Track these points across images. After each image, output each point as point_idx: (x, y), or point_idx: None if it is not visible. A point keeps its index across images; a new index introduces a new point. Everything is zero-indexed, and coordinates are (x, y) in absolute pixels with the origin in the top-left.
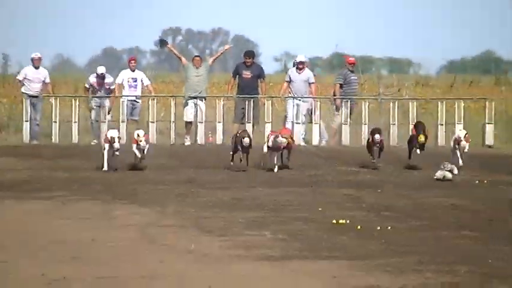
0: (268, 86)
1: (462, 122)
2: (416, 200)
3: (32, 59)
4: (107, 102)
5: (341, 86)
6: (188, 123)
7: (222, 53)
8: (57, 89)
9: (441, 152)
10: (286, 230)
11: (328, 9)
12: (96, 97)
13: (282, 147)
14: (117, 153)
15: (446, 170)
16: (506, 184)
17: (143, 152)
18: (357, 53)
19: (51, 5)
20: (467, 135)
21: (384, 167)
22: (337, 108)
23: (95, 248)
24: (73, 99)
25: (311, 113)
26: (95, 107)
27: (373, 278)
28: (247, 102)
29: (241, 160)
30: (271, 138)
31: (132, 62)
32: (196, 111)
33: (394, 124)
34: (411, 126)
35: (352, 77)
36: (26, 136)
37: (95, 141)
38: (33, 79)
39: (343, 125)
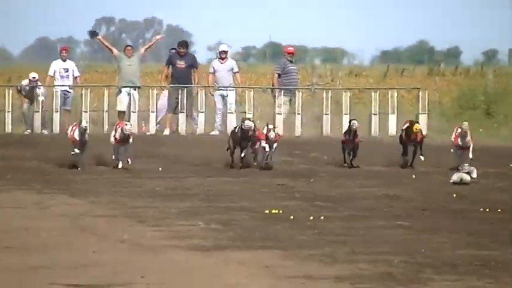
0: (201, 75)
1: (396, 113)
2: (350, 190)
3: None
4: (42, 93)
5: (279, 75)
6: (121, 113)
7: (154, 43)
8: None
9: (375, 142)
10: (219, 220)
11: None
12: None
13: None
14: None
15: (464, 172)
16: (441, 174)
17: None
18: (290, 43)
19: None
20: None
21: (317, 156)
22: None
23: (28, 237)
24: (6, 89)
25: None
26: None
27: (306, 267)
28: (180, 92)
29: (241, 158)
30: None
31: (64, 52)
32: (130, 100)
33: (328, 114)
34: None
35: (291, 67)
36: None
37: (29, 130)
38: None
39: (276, 115)
